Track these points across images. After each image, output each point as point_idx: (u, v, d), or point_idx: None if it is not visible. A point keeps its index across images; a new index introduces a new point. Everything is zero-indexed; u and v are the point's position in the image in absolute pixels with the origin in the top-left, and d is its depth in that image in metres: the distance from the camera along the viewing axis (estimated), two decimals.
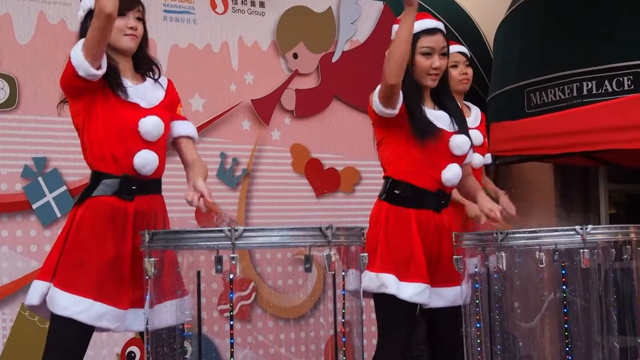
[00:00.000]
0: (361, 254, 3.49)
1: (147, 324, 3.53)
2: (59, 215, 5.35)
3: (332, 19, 6.60)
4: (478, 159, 5.21)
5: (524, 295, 4.07)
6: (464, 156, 4.24)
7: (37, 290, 3.66)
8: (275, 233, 3.26)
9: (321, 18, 6.57)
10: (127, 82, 3.77)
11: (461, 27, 9.01)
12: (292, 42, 6.39)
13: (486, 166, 5.73)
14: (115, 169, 3.70)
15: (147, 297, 3.50)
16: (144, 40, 3.88)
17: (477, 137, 5.24)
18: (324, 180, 6.45)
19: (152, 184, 3.82)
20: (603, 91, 7.20)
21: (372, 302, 4.22)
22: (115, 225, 3.69)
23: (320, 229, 3.23)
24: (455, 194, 4.65)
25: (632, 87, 6.96)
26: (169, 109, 3.91)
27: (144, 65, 3.90)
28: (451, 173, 4.17)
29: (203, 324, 3.55)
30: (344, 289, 3.40)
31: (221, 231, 3.19)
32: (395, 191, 4.18)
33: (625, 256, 3.94)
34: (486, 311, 3.96)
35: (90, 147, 3.73)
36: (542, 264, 3.72)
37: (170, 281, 3.66)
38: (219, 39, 6.10)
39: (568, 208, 8.51)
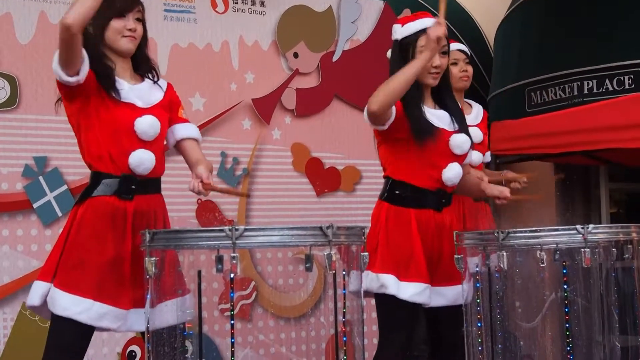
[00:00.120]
0: (362, 254, 3.49)
1: (147, 323, 3.53)
2: (59, 214, 5.35)
3: (333, 18, 6.61)
4: (477, 156, 5.21)
5: (525, 294, 4.07)
6: (465, 155, 4.24)
7: (38, 290, 3.66)
8: (275, 232, 3.26)
9: (321, 17, 6.58)
10: (125, 82, 3.77)
11: (462, 26, 9.00)
12: (292, 41, 6.40)
13: (486, 165, 5.72)
14: (113, 169, 3.70)
15: (148, 296, 3.50)
16: (144, 41, 3.87)
17: (477, 134, 5.24)
18: (325, 179, 6.45)
19: (151, 184, 3.82)
20: (604, 90, 7.20)
21: (372, 302, 4.22)
22: (115, 225, 3.69)
23: (320, 228, 3.23)
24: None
25: (633, 86, 6.96)
26: (168, 110, 3.90)
27: (142, 66, 3.89)
28: (452, 172, 4.16)
29: (204, 323, 3.55)
30: (344, 288, 3.40)
31: (222, 230, 3.19)
32: (395, 191, 4.17)
33: (627, 255, 3.94)
34: (487, 310, 3.96)
35: (88, 147, 3.73)
36: (543, 263, 3.72)
37: (171, 280, 3.66)
38: (219, 38, 6.10)
39: (569, 207, 8.51)
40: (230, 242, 3.17)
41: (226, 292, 5.65)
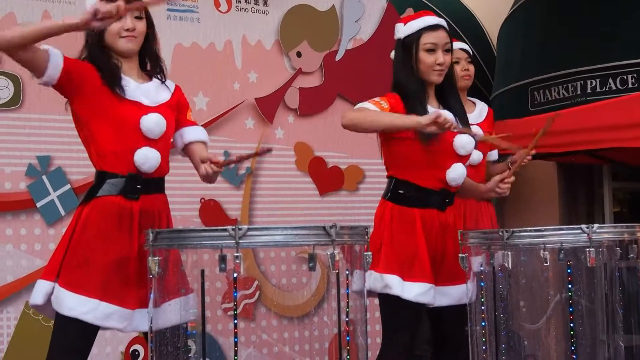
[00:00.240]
0: (365, 253, 3.49)
1: (151, 322, 3.53)
2: (63, 213, 5.35)
3: (336, 17, 6.60)
4: (477, 156, 5.22)
5: (529, 294, 4.07)
6: (469, 156, 4.24)
7: (42, 289, 3.65)
8: (279, 232, 3.26)
9: (324, 16, 6.57)
10: (131, 81, 3.77)
11: (464, 25, 9.00)
12: (295, 40, 6.39)
13: (494, 162, 5.73)
14: (119, 167, 3.70)
15: (151, 295, 3.50)
16: (150, 38, 3.86)
17: (479, 133, 5.23)
18: (328, 178, 6.45)
19: (156, 183, 3.82)
20: (607, 89, 7.19)
21: (376, 301, 4.21)
22: (122, 224, 3.68)
23: (324, 227, 3.23)
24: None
25: (636, 85, 6.95)
26: (175, 110, 3.90)
27: (150, 64, 3.89)
28: (455, 173, 4.16)
29: (207, 323, 3.56)
30: (347, 288, 3.40)
31: (225, 230, 3.20)
32: (399, 191, 4.17)
33: (631, 255, 3.93)
34: (491, 310, 3.96)
35: (94, 145, 3.73)
36: (547, 262, 3.72)
37: (175, 280, 3.65)
38: (222, 37, 6.10)
39: (572, 206, 8.50)
40: (234, 241, 3.17)
41: (229, 291, 5.68)
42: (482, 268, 4.01)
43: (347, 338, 3.38)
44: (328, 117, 6.45)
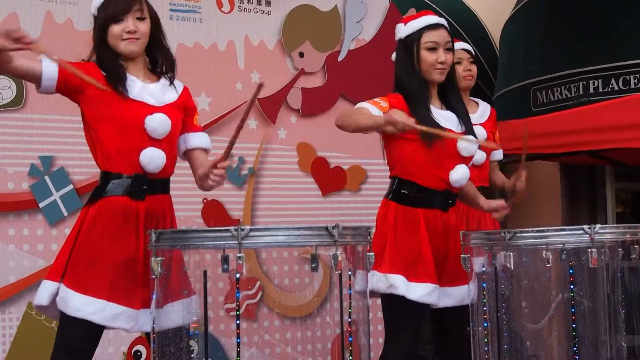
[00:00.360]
0: (368, 254, 3.49)
1: (153, 323, 3.53)
2: (65, 214, 5.35)
3: (338, 17, 6.60)
4: (480, 156, 5.22)
5: (531, 294, 4.07)
6: (471, 157, 4.25)
7: (47, 290, 3.65)
8: (281, 232, 3.26)
9: (327, 17, 6.57)
10: (137, 81, 3.77)
11: (467, 25, 9.01)
12: (298, 40, 6.39)
13: (499, 162, 5.73)
14: (124, 168, 3.70)
15: (154, 296, 3.50)
16: (156, 37, 3.86)
17: (481, 134, 5.24)
18: (330, 179, 6.45)
19: (161, 184, 3.82)
20: (609, 89, 7.20)
21: (378, 301, 4.21)
22: (128, 225, 3.68)
23: (326, 228, 3.23)
24: None
25: (639, 85, 6.95)
26: (181, 111, 3.90)
27: (157, 62, 3.89)
28: (459, 174, 4.16)
29: (209, 323, 3.55)
30: (350, 288, 3.40)
31: (227, 230, 3.19)
32: (403, 191, 4.17)
33: (633, 256, 3.94)
34: (493, 310, 3.96)
35: (100, 146, 3.73)
36: (549, 263, 3.72)
37: (177, 281, 3.65)
38: (225, 37, 6.10)
39: (574, 207, 8.50)
40: (236, 242, 3.17)
41: (232, 291, 5.65)
42: (484, 269, 4.02)
43: (350, 338, 3.38)
44: (330, 117, 6.43)
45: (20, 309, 5.19)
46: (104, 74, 3.70)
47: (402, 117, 3.84)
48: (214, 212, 5.90)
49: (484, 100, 5.82)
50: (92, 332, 3.62)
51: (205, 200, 5.85)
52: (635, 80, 7.04)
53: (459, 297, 4.20)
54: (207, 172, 3.73)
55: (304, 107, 6.34)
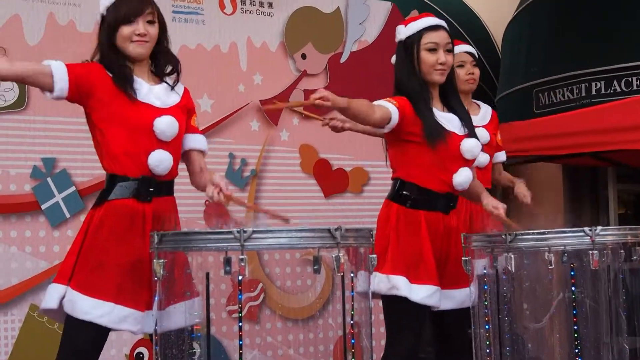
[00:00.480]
0: (370, 255, 3.49)
1: (155, 325, 3.53)
2: (67, 215, 5.35)
3: (341, 19, 6.61)
4: (484, 158, 5.21)
5: (532, 296, 4.07)
6: (474, 160, 4.25)
7: (54, 293, 3.64)
8: (284, 234, 3.26)
9: (329, 18, 6.58)
10: (143, 83, 3.77)
11: (469, 27, 9.01)
12: (300, 42, 6.40)
13: (502, 164, 5.73)
14: (131, 170, 3.69)
15: (156, 298, 3.50)
16: (161, 41, 3.86)
17: (484, 135, 5.23)
18: (333, 180, 6.45)
19: (167, 186, 3.82)
20: (612, 91, 7.20)
21: (380, 303, 4.21)
22: (134, 227, 3.68)
23: (329, 230, 3.23)
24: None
25: None
26: (185, 112, 3.90)
27: (162, 66, 3.89)
28: (462, 177, 4.17)
29: (212, 325, 3.55)
30: (352, 290, 3.40)
31: (230, 232, 3.19)
32: (406, 193, 4.17)
33: (635, 257, 3.93)
34: (495, 312, 3.95)
35: (106, 148, 3.72)
36: (551, 265, 3.72)
37: (180, 283, 3.65)
38: (227, 39, 6.11)
39: (577, 208, 8.50)
40: (239, 244, 3.17)
41: (234, 293, 5.66)
42: (485, 271, 4.01)
43: (352, 340, 3.38)
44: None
45: (23, 310, 5.19)
46: (111, 75, 3.70)
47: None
48: (218, 213, 5.89)
49: (486, 102, 5.81)
50: (99, 334, 3.62)
51: (207, 202, 5.84)
52: (638, 82, 7.04)
53: (460, 299, 4.20)
54: (211, 181, 3.75)
55: (306, 108, 6.34)
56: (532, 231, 3.79)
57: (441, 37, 4.21)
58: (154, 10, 3.79)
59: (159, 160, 3.71)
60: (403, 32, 4.27)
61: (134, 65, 3.79)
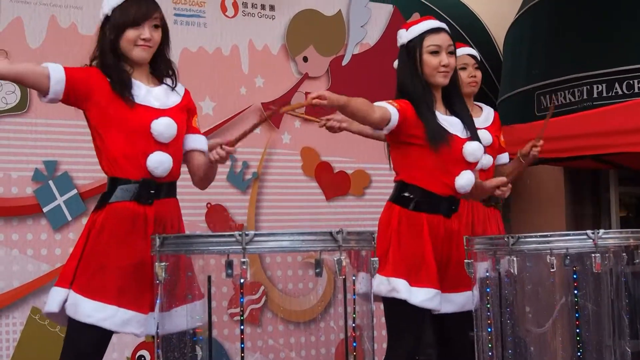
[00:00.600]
0: (372, 259, 3.49)
1: (157, 328, 3.53)
2: (69, 218, 5.35)
3: (342, 22, 6.61)
4: (487, 160, 5.21)
5: (535, 299, 4.07)
6: (477, 163, 4.24)
7: (57, 297, 3.63)
8: (285, 237, 3.26)
9: (331, 21, 6.58)
10: (142, 85, 3.77)
11: (470, 30, 9.01)
12: (302, 45, 6.40)
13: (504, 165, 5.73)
14: (131, 173, 3.68)
15: (158, 301, 3.50)
16: (164, 46, 3.85)
17: (486, 137, 5.23)
18: (334, 183, 6.45)
19: (168, 188, 3.81)
20: (613, 94, 7.19)
21: (382, 306, 4.21)
22: (136, 229, 3.67)
23: (330, 233, 3.23)
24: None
25: None
26: (185, 113, 3.89)
27: (161, 69, 3.88)
28: (464, 180, 4.16)
29: (213, 328, 3.55)
30: (354, 293, 3.40)
31: (232, 236, 3.19)
32: (408, 195, 4.17)
33: (637, 260, 3.93)
34: (497, 315, 3.95)
35: (106, 152, 3.71)
36: (553, 268, 3.72)
37: (182, 286, 3.65)
38: (229, 42, 6.11)
39: (578, 211, 8.50)
40: (241, 247, 3.17)
41: (236, 296, 5.67)
42: (488, 274, 4.01)
43: (354, 343, 3.38)
44: None
45: (24, 313, 5.19)
46: (109, 80, 3.70)
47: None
48: (218, 217, 5.90)
49: (487, 104, 5.81)
50: (101, 338, 3.62)
51: (209, 205, 5.85)
52: (639, 85, 7.03)
53: (461, 303, 4.20)
54: (214, 145, 3.73)
55: (308, 111, 6.34)
56: (534, 234, 3.79)
57: (443, 39, 4.21)
58: (159, 14, 3.79)
59: (158, 162, 3.70)
60: (405, 35, 4.27)
61: (135, 68, 3.79)
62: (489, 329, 3.97)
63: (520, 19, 8.38)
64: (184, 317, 3.64)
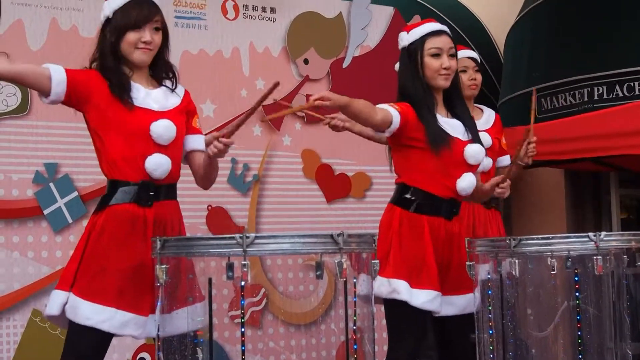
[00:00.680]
0: (372, 261, 3.48)
1: (158, 330, 3.53)
2: (70, 220, 5.35)
3: (343, 24, 6.61)
4: (488, 162, 5.21)
5: (536, 302, 4.06)
6: (478, 165, 4.24)
7: (57, 300, 3.63)
8: (286, 240, 3.25)
9: (332, 24, 6.58)
10: (141, 88, 3.76)
11: (471, 32, 9.02)
12: (302, 47, 6.40)
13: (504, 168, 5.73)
14: (130, 175, 3.68)
15: (159, 303, 3.50)
16: (163, 48, 3.85)
17: (487, 140, 5.23)
18: (335, 185, 6.45)
19: (168, 190, 3.81)
20: (614, 96, 7.20)
21: (382, 308, 4.21)
22: (135, 232, 3.67)
23: (331, 235, 3.22)
24: None
25: None
26: (184, 114, 3.89)
27: (160, 72, 3.88)
28: (466, 182, 4.16)
29: (214, 330, 3.55)
30: (355, 296, 3.39)
31: (232, 238, 3.18)
32: (410, 198, 4.16)
33: (638, 263, 3.93)
34: (499, 318, 3.95)
35: (105, 154, 3.71)
36: (554, 270, 3.72)
37: (183, 288, 3.65)
38: (229, 44, 6.11)
39: (579, 213, 8.50)
40: (241, 249, 3.16)
41: (236, 299, 5.66)
42: (489, 276, 4.01)
43: (355, 346, 3.37)
44: None
45: (25, 316, 5.19)
46: (107, 82, 3.70)
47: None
48: (219, 219, 5.90)
49: (488, 106, 5.81)
50: (101, 340, 3.61)
51: (209, 207, 5.85)
52: None
53: (462, 306, 4.19)
54: (210, 140, 3.72)
55: (308, 114, 6.34)
56: (536, 236, 3.79)
57: (444, 42, 4.21)
58: (160, 17, 3.78)
59: (157, 163, 3.70)
60: (406, 38, 4.27)
61: (134, 71, 3.78)
62: (491, 331, 3.96)
63: (520, 21, 8.39)
64: (185, 320, 3.64)
